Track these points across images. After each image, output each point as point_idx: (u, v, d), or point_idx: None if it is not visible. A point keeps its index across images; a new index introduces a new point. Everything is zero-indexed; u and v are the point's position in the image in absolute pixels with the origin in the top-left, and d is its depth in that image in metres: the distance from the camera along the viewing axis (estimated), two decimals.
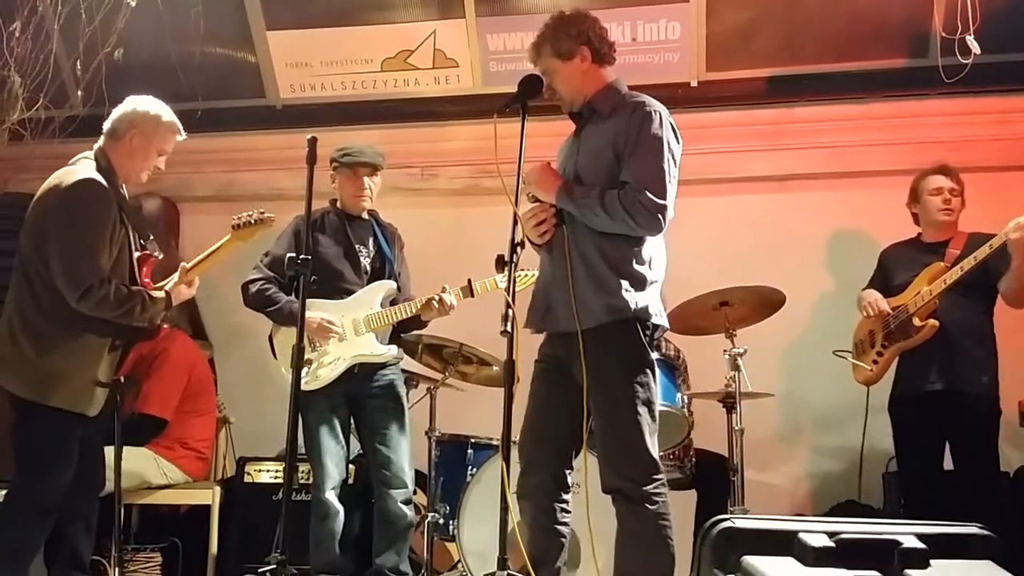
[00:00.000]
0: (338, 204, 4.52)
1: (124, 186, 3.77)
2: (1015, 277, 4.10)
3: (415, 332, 4.61)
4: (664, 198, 3.14)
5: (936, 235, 4.46)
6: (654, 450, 3.16)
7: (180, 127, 3.80)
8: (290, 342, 4.09)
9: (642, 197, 3.11)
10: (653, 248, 3.29)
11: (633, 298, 3.16)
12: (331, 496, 4.20)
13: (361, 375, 4.36)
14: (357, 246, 4.45)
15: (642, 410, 3.14)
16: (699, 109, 5.62)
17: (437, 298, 4.29)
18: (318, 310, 4.31)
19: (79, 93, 5.27)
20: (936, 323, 4.24)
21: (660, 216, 3.14)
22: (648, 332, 3.22)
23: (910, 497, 4.42)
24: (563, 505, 3.29)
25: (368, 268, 4.46)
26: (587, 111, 3.38)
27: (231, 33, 5.90)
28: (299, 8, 5.82)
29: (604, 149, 3.25)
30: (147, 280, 3.74)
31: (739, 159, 5.67)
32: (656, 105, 3.27)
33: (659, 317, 3.25)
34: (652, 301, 3.23)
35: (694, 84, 5.64)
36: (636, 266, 3.21)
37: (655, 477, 3.13)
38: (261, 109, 6.12)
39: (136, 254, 3.73)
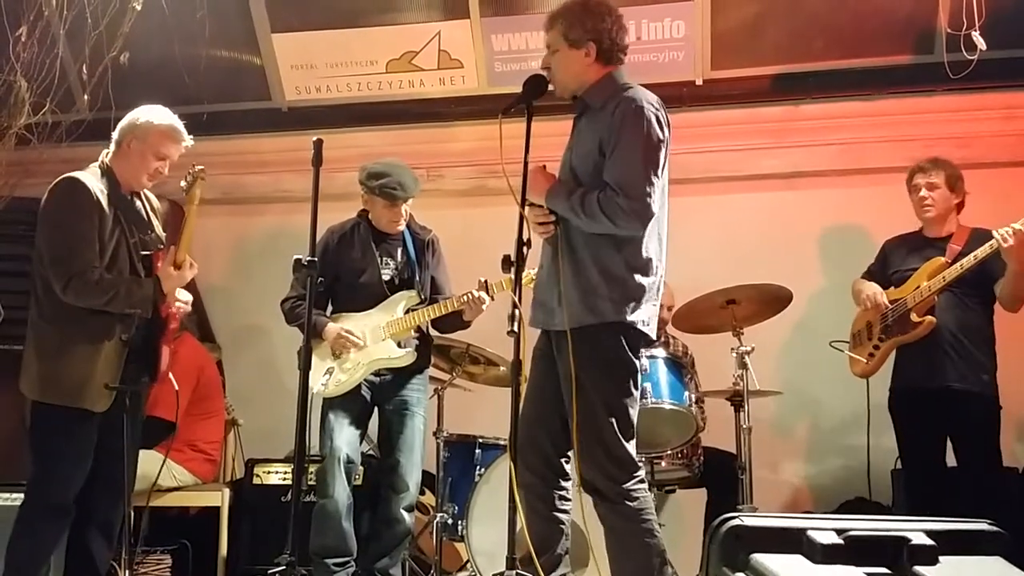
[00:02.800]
0: (369, 217, 4.56)
1: (133, 190, 3.83)
2: (1009, 282, 4.12)
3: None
4: (641, 199, 3.11)
5: (937, 230, 4.45)
6: (631, 448, 3.18)
7: (180, 132, 3.81)
8: (316, 354, 4.18)
9: (619, 199, 3.10)
10: (651, 249, 3.25)
11: (617, 306, 3.16)
12: (338, 475, 4.23)
13: (385, 381, 4.42)
14: (383, 259, 4.50)
15: (618, 412, 3.16)
16: (704, 108, 5.62)
17: (470, 297, 4.31)
18: (342, 322, 4.42)
19: (85, 97, 5.26)
20: (933, 320, 4.23)
21: (638, 217, 3.12)
22: (630, 339, 3.21)
23: (914, 494, 4.41)
24: (561, 492, 3.30)
25: (396, 280, 4.50)
26: (580, 105, 3.38)
27: (236, 36, 5.91)
28: (304, 10, 5.82)
29: (592, 148, 3.25)
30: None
31: (745, 157, 5.66)
32: (642, 99, 3.22)
33: (645, 326, 3.22)
34: (639, 310, 3.20)
35: (699, 82, 5.62)
36: (626, 272, 3.19)
37: (633, 475, 3.16)
38: (266, 111, 6.12)
39: (145, 253, 3.76)
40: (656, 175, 3.17)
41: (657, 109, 3.23)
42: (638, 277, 3.20)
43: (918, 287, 4.28)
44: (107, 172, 3.77)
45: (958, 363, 4.23)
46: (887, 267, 4.56)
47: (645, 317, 3.23)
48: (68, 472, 3.61)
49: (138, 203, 3.86)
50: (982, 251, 4.05)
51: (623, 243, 3.19)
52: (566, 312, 3.15)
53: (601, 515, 3.20)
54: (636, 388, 3.24)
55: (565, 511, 3.31)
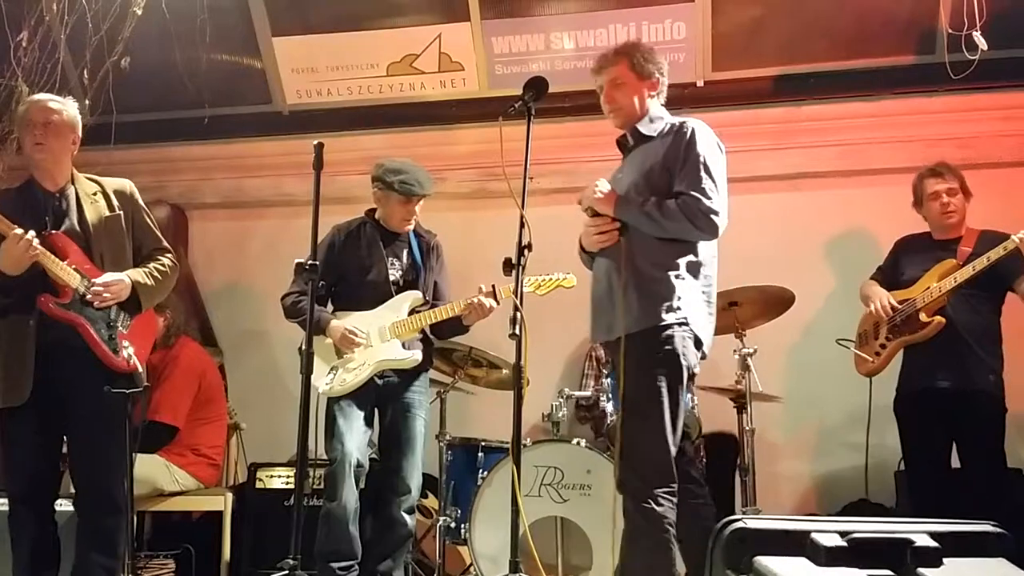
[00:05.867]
0: (376, 215, 4.56)
1: (53, 176, 3.80)
2: None
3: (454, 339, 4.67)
4: (717, 203, 3.28)
5: (946, 234, 4.44)
6: (672, 456, 3.21)
7: (34, 98, 3.89)
8: (320, 352, 4.17)
9: (698, 203, 3.26)
10: (708, 263, 3.40)
11: (678, 307, 3.26)
12: (347, 479, 4.21)
13: (387, 382, 4.41)
14: (390, 259, 4.49)
15: (668, 415, 3.21)
16: (706, 109, 5.58)
17: (476, 301, 4.30)
18: (346, 320, 4.39)
19: (86, 102, 5.27)
20: (943, 320, 4.23)
21: (715, 218, 3.27)
22: (687, 342, 3.28)
23: (918, 495, 4.40)
24: (688, 486, 3.37)
25: (401, 281, 4.49)
26: (635, 136, 3.53)
27: (237, 40, 5.92)
28: (305, 14, 5.83)
29: (656, 168, 3.39)
30: (71, 256, 3.69)
31: (747, 159, 5.63)
32: (697, 123, 3.44)
33: (702, 330, 3.33)
34: (698, 315, 3.32)
35: (700, 84, 5.63)
36: (688, 277, 3.32)
37: (667, 483, 3.19)
38: (268, 115, 6.13)
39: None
40: (722, 190, 3.34)
41: (714, 135, 3.44)
42: (695, 283, 3.35)
43: (928, 288, 4.27)
44: (28, 178, 3.82)
45: (966, 363, 4.22)
46: (897, 268, 4.56)
47: (703, 322, 3.34)
48: (9, 472, 3.68)
49: (69, 193, 3.80)
50: (995, 253, 4.05)
51: (683, 251, 3.33)
52: (625, 317, 3.26)
53: (626, 512, 3.24)
54: (684, 394, 3.30)
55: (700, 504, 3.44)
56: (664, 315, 3.24)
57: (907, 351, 4.40)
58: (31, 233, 3.56)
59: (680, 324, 3.26)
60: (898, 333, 4.39)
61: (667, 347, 3.24)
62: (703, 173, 3.31)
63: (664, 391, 3.21)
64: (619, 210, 3.37)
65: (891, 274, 4.57)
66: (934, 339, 4.25)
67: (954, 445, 4.34)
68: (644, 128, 3.52)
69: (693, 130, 3.39)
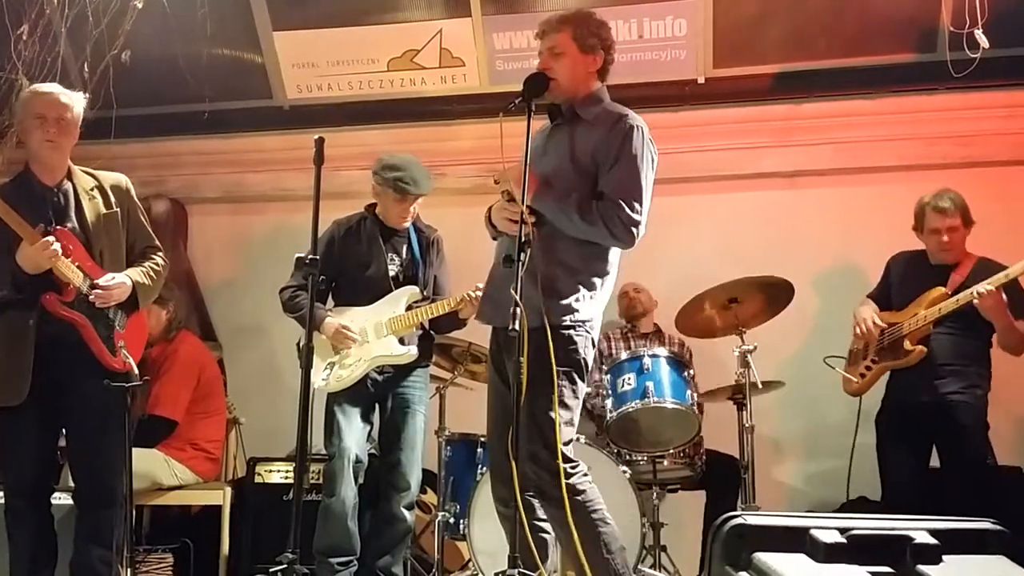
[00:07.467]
0: (376, 210, 4.56)
1: (54, 171, 3.76)
2: (998, 336, 4.25)
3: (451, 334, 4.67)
4: (639, 214, 3.19)
5: (942, 260, 4.43)
6: (569, 449, 3.16)
7: (44, 88, 3.82)
8: (317, 348, 4.15)
9: (619, 211, 3.15)
10: (612, 260, 3.32)
11: (578, 306, 3.20)
12: (346, 475, 4.23)
13: (387, 378, 4.41)
14: (390, 255, 4.50)
15: (561, 410, 3.12)
16: (707, 106, 5.62)
17: (472, 295, 4.29)
18: (343, 316, 4.41)
19: (86, 95, 5.25)
20: (924, 349, 4.28)
21: (634, 230, 3.19)
22: (584, 338, 3.23)
23: (896, 505, 4.38)
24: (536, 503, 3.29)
25: (401, 276, 4.50)
26: (568, 113, 3.39)
27: (237, 34, 5.91)
28: (305, 8, 5.82)
29: (585, 158, 3.27)
30: (74, 254, 3.66)
31: (747, 156, 5.66)
32: (637, 120, 3.30)
33: (593, 330, 3.28)
34: (594, 313, 3.27)
35: (701, 81, 5.62)
36: (593, 278, 3.26)
37: (571, 471, 3.13)
38: (268, 110, 6.13)
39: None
40: (648, 197, 3.24)
41: (650, 136, 3.31)
42: (598, 283, 3.28)
43: (915, 315, 4.31)
44: (24, 170, 3.78)
45: (952, 380, 4.27)
46: (892, 288, 4.58)
47: (595, 320, 3.28)
48: (7, 470, 3.69)
49: (67, 188, 3.77)
50: (981, 287, 4.07)
51: (592, 251, 3.26)
52: (525, 311, 3.02)
53: (551, 515, 3.19)
54: (582, 387, 3.25)
55: (545, 519, 3.29)
56: (564, 315, 3.16)
57: (893, 371, 4.44)
58: (57, 245, 3.55)
59: (578, 324, 3.20)
60: (883, 357, 4.45)
61: (568, 345, 3.17)
62: (632, 180, 3.19)
63: (565, 383, 3.15)
64: (537, 200, 3.21)
65: (885, 295, 4.59)
66: (920, 362, 4.29)
67: (935, 455, 4.39)
68: (580, 108, 3.34)
69: (631, 128, 3.24)
